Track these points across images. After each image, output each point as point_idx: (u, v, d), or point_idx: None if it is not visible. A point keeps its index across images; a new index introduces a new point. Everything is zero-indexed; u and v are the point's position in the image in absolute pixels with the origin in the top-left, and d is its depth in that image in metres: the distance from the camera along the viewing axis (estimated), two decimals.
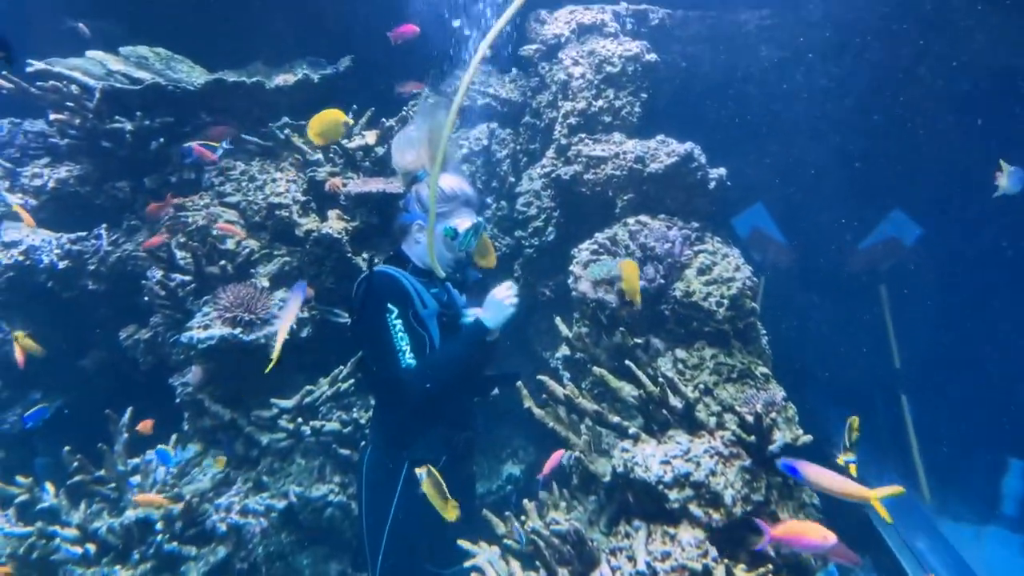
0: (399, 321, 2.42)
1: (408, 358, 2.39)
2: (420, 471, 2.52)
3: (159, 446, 3.44)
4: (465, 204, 2.66)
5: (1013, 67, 5.12)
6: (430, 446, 2.63)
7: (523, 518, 2.86)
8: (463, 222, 2.63)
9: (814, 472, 2.31)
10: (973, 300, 5.88)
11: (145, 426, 3.57)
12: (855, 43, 5.24)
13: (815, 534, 2.28)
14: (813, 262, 6.31)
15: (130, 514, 3.10)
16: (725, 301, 3.19)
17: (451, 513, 2.49)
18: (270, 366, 2.57)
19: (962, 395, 5.61)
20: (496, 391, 3.03)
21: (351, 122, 3.95)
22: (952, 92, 5.28)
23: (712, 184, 3.85)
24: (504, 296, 2.59)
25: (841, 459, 2.36)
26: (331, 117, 3.71)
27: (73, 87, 4.18)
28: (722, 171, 3.91)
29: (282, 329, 2.71)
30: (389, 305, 2.44)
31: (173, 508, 3.09)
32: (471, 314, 2.64)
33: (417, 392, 2.42)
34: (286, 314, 2.78)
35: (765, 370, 3.16)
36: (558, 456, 2.79)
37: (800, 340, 5.71)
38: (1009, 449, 5.59)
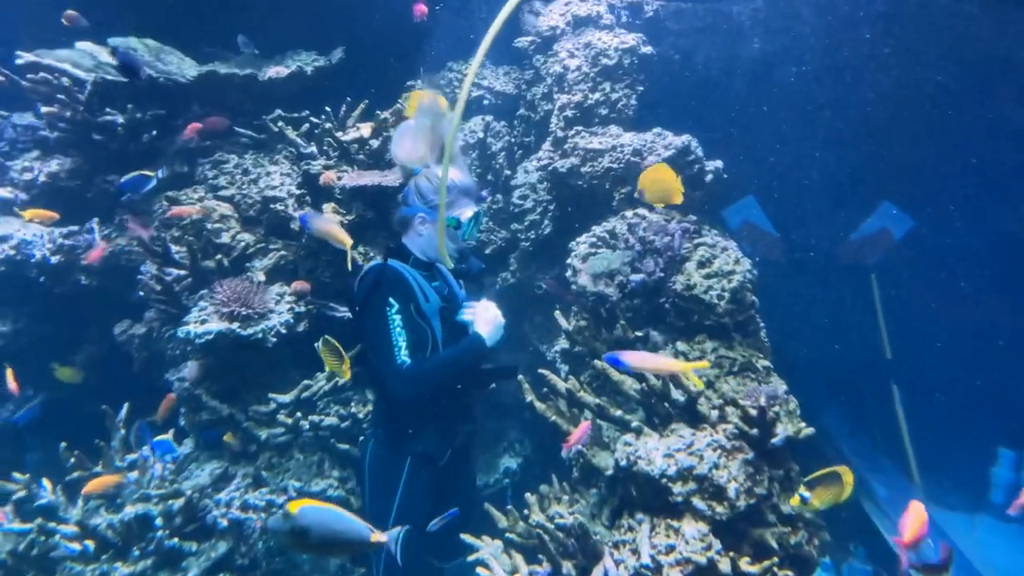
0: (399, 316, 2.40)
1: (403, 355, 2.37)
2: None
3: (159, 436, 3.40)
4: (464, 194, 2.65)
5: (1011, 58, 5.15)
6: (432, 441, 2.63)
7: (525, 511, 2.87)
8: (465, 212, 2.63)
9: (636, 358, 2.54)
10: (964, 290, 5.93)
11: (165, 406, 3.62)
12: (847, 34, 5.25)
13: None
14: (804, 254, 6.34)
15: (129, 510, 3.07)
16: (726, 294, 3.20)
17: (346, 373, 2.68)
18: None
19: (952, 385, 5.67)
20: (494, 384, 3.02)
21: None
22: (944, 84, 5.31)
23: (709, 176, 3.86)
24: (495, 315, 2.60)
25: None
26: None
27: (64, 79, 4.11)
28: (718, 164, 3.92)
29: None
30: (391, 300, 2.43)
31: (173, 504, 3.07)
32: (468, 311, 2.61)
33: (406, 394, 2.42)
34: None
35: (766, 363, 3.17)
36: (584, 428, 2.80)
37: (791, 332, 5.75)
38: (998, 438, 5.66)
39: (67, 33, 4.48)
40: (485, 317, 2.56)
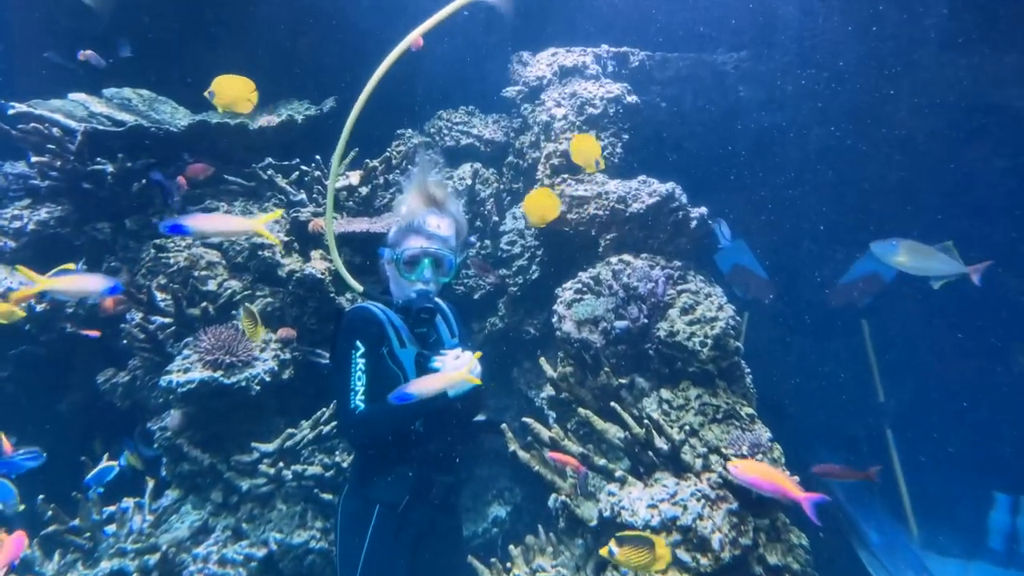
0: (362, 360, 2.37)
1: (358, 399, 2.33)
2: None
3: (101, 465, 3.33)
4: (414, 231, 2.59)
5: (988, 104, 5.25)
6: (393, 488, 2.56)
7: (508, 564, 2.82)
8: (409, 243, 2.58)
9: (200, 220, 2.33)
10: (958, 333, 5.95)
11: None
12: (830, 82, 5.37)
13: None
14: (795, 297, 6.37)
15: (104, 565, 3.01)
16: (709, 341, 3.19)
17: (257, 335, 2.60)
18: None
19: (948, 428, 5.64)
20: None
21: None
22: (927, 128, 5.41)
23: (694, 223, 3.89)
24: (464, 363, 2.50)
25: None
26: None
27: (54, 129, 4.16)
28: (703, 210, 3.95)
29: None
30: (357, 342, 2.40)
31: (149, 559, 3.01)
32: (439, 359, 2.53)
33: (356, 438, 2.39)
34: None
35: (750, 410, 3.15)
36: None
37: (783, 375, 5.74)
38: (995, 483, 5.60)
39: (62, 83, 4.57)
40: (452, 365, 2.52)
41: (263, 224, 2.27)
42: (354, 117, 2.41)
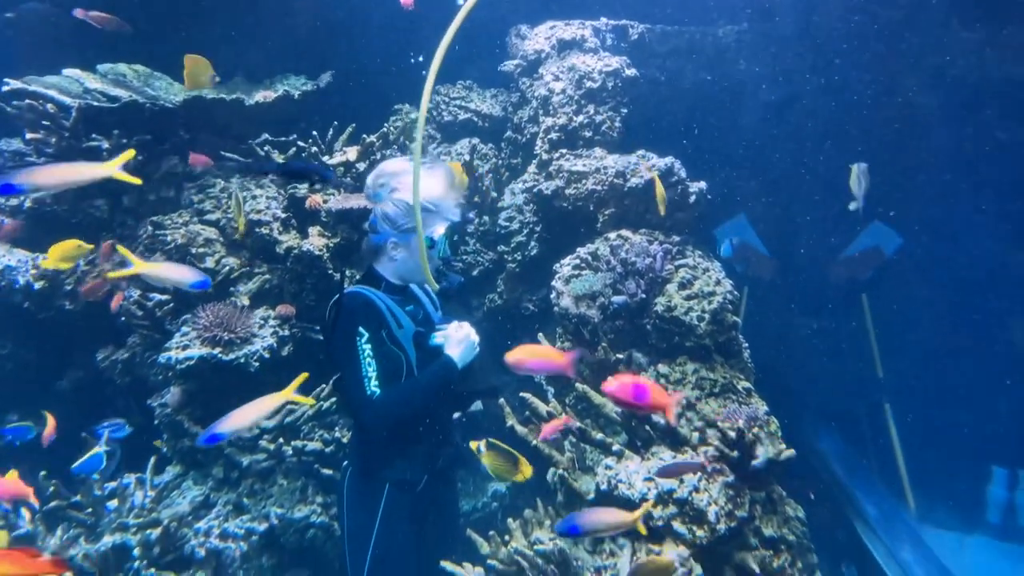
0: (368, 346, 2.36)
1: (373, 386, 2.32)
2: (475, 446, 2.58)
3: (93, 451, 3.33)
4: (433, 212, 2.60)
5: (997, 78, 5.20)
6: (410, 467, 2.59)
7: (506, 537, 2.84)
8: (436, 229, 2.59)
9: (36, 174, 2.00)
10: (956, 308, 5.94)
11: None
12: (831, 55, 5.30)
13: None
14: (795, 272, 6.36)
15: (107, 540, 3.04)
16: (706, 316, 3.19)
17: (525, 472, 2.59)
18: None
19: (946, 403, 5.66)
20: (479, 405, 2.98)
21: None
22: (930, 102, 5.35)
23: (692, 198, 3.87)
24: (467, 334, 2.56)
25: None
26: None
27: (48, 105, 4.13)
28: (702, 185, 3.93)
29: None
30: (360, 329, 2.38)
31: (151, 533, 3.03)
32: (439, 334, 2.56)
33: (378, 425, 2.38)
34: None
35: (747, 384, 3.16)
36: (562, 422, 2.83)
37: (783, 350, 5.75)
38: (993, 457, 5.63)
39: (61, 60, 4.52)
40: (456, 337, 2.52)
41: (117, 166, 2.08)
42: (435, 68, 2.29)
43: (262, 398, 2.34)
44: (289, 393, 2.37)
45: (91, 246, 3.44)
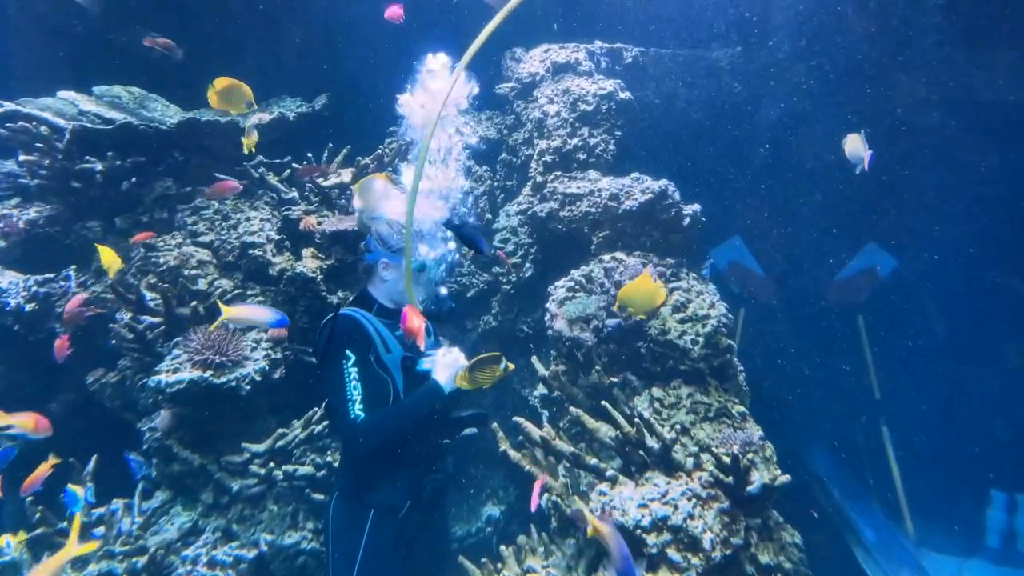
0: (355, 369, 2.35)
1: (357, 409, 2.31)
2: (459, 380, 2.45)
3: (68, 486, 3.26)
4: (425, 236, 2.64)
5: (987, 101, 5.23)
6: (394, 492, 2.56)
7: (499, 565, 2.79)
8: (429, 253, 2.61)
9: None
10: (956, 332, 5.94)
11: None
12: (825, 78, 5.34)
13: None
14: (791, 293, 6.35)
15: (92, 568, 2.98)
16: (700, 339, 3.17)
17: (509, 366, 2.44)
18: None
19: (944, 427, 5.63)
20: (473, 430, 2.95)
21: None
22: (924, 126, 5.38)
23: (687, 220, 3.87)
24: (455, 359, 2.54)
25: None
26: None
27: (42, 128, 4.13)
28: (696, 207, 3.93)
29: None
30: (347, 352, 2.38)
31: (137, 561, 2.98)
32: (428, 360, 2.55)
33: (361, 448, 2.36)
34: None
35: (742, 408, 3.13)
36: (540, 482, 2.75)
37: (778, 373, 5.73)
38: (992, 481, 5.59)
39: (56, 82, 4.54)
40: (443, 362, 2.51)
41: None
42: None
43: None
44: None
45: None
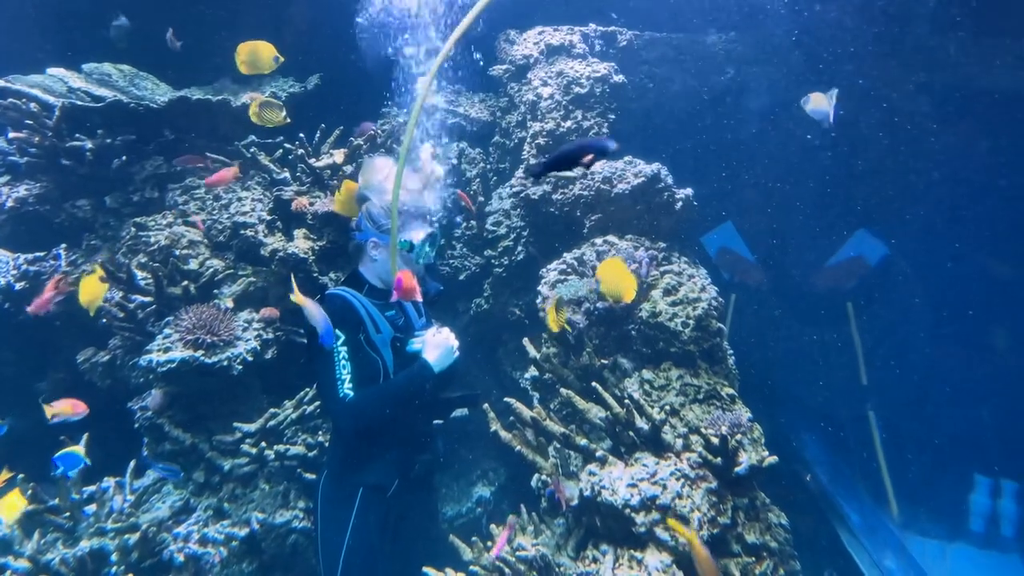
0: (344, 348, 2.36)
1: (346, 388, 2.33)
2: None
3: (68, 449, 3.24)
4: (416, 216, 2.63)
5: (979, 88, 5.25)
6: (383, 471, 2.57)
7: (489, 544, 2.82)
8: (417, 234, 2.61)
9: None
10: (941, 317, 5.98)
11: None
12: (819, 63, 5.34)
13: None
14: (781, 279, 6.38)
15: (84, 544, 2.99)
16: (691, 322, 3.19)
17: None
18: None
19: (929, 412, 5.69)
20: (464, 411, 2.97)
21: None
22: (917, 111, 5.40)
23: (679, 204, 3.87)
24: (445, 339, 2.56)
25: None
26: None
27: (32, 104, 4.09)
28: (689, 191, 3.94)
29: None
30: (337, 331, 2.39)
31: (129, 538, 2.99)
32: (417, 340, 2.57)
33: (349, 427, 2.37)
34: None
35: (731, 391, 3.16)
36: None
37: (767, 357, 5.77)
38: (976, 465, 5.66)
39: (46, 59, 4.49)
40: (433, 342, 2.52)
41: None
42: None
43: None
44: None
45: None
